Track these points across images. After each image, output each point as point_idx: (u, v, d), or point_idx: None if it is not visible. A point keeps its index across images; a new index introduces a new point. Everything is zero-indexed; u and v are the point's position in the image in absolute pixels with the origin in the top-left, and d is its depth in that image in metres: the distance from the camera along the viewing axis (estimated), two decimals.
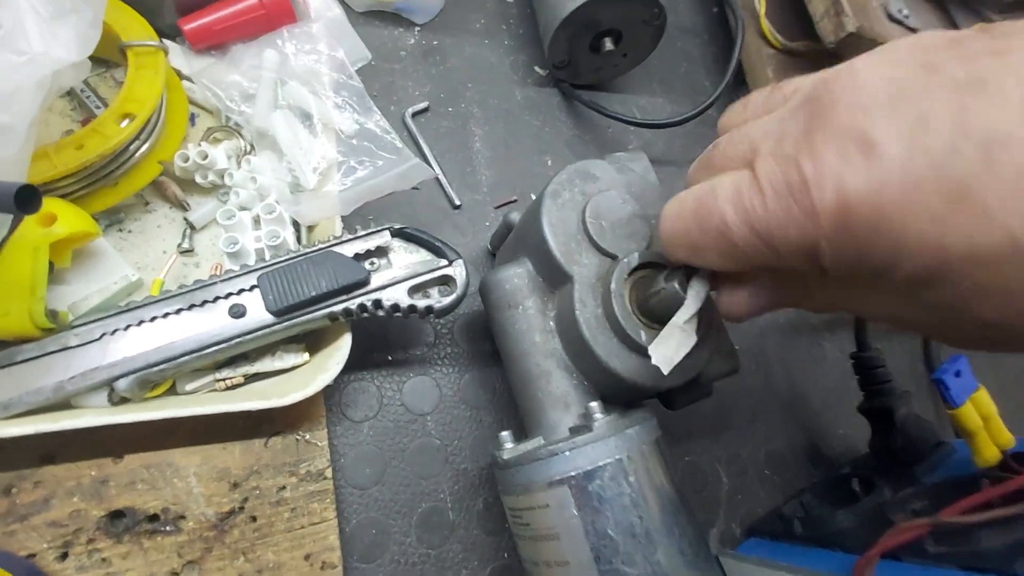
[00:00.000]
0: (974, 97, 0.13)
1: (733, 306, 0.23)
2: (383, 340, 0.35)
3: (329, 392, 0.33)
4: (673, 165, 0.50)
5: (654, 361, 0.24)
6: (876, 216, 0.15)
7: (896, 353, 0.51)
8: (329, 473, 0.30)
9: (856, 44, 0.43)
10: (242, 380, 0.29)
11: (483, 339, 0.38)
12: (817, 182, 0.15)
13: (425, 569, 0.31)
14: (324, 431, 0.31)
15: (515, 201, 0.43)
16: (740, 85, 0.52)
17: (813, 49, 0.47)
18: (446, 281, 0.30)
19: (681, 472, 0.39)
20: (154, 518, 0.27)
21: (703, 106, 0.45)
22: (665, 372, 0.24)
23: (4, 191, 0.19)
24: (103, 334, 0.26)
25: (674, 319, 0.25)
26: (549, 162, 0.46)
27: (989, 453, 0.32)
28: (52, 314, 0.26)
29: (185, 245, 0.31)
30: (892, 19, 0.44)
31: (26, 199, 0.19)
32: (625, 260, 0.29)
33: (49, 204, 0.25)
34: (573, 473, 0.26)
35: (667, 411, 0.40)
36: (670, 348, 0.24)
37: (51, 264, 0.26)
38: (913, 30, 0.45)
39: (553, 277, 0.30)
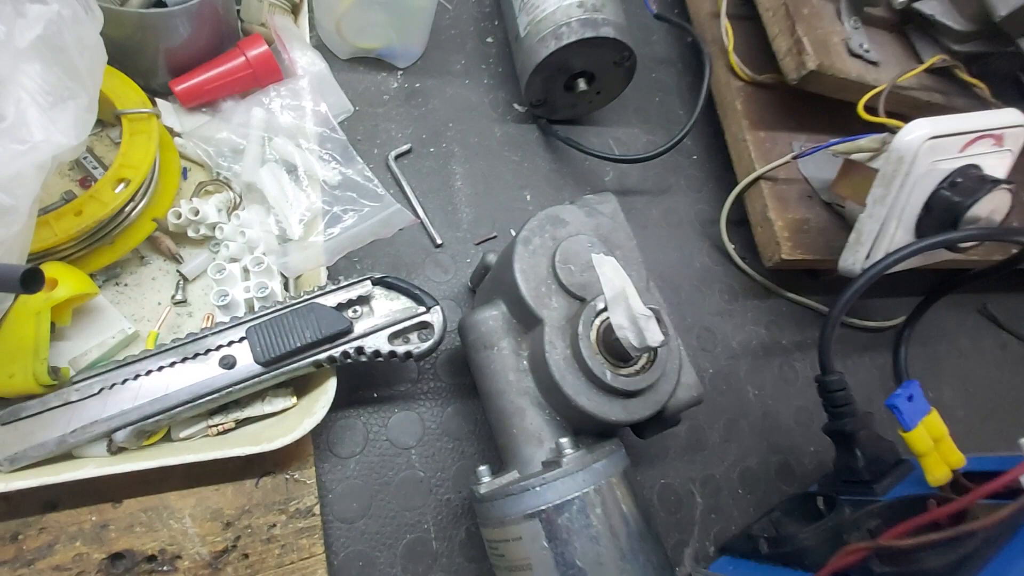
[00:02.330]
0: None
1: None
2: (368, 378, 0.37)
3: (317, 431, 0.34)
4: (648, 194, 0.52)
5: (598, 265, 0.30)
6: None
7: (866, 373, 0.53)
8: (317, 510, 0.32)
9: (817, 79, 0.45)
10: (233, 425, 0.31)
11: (465, 373, 0.39)
12: None
13: None
14: (312, 469, 0.33)
15: (495, 237, 0.45)
16: (712, 116, 0.54)
17: (779, 81, 0.49)
18: (425, 326, 0.32)
19: (656, 494, 0.41)
20: (152, 559, 0.29)
21: (675, 139, 0.47)
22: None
23: (10, 273, 0.21)
24: (102, 388, 0.28)
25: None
26: (528, 197, 0.48)
27: (940, 472, 0.33)
28: (54, 371, 0.28)
29: (179, 296, 0.33)
30: (853, 54, 0.47)
31: (30, 281, 0.21)
32: (591, 303, 0.31)
33: (50, 269, 0.27)
34: (543, 507, 0.28)
35: (647, 440, 0.42)
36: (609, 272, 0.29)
37: (53, 324, 0.28)
38: (874, 63, 0.48)
39: (525, 319, 0.32)
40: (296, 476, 0.32)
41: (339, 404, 0.36)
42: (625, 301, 0.28)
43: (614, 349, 0.30)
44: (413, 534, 0.34)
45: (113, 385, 0.28)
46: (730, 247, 0.51)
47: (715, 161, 0.55)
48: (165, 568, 0.29)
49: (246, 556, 0.30)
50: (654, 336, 0.27)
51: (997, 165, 0.40)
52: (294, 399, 0.32)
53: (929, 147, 0.37)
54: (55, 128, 0.24)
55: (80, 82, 0.25)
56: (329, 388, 0.31)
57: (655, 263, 0.49)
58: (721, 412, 0.45)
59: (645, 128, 0.55)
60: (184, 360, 0.29)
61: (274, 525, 0.31)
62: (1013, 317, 0.63)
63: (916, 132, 0.37)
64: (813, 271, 0.54)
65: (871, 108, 0.45)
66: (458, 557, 0.35)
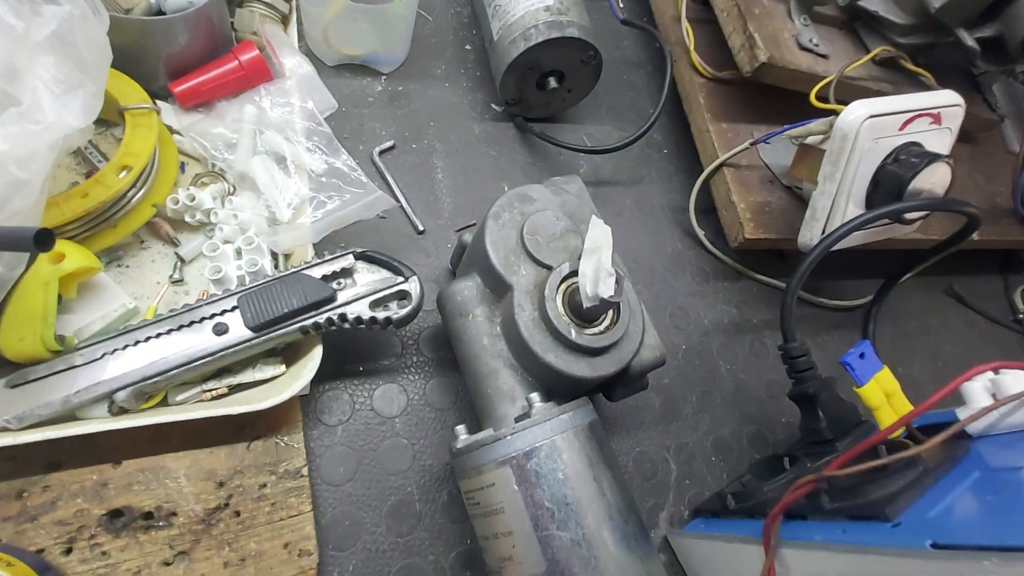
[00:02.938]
0: None
1: None
2: (354, 352, 0.40)
3: (305, 400, 0.37)
4: (621, 185, 0.55)
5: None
6: None
7: (837, 350, 0.55)
8: (305, 471, 0.34)
9: (770, 71, 0.48)
10: (226, 391, 0.33)
11: (446, 348, 0.42)
12: None
13: (395, 555, 0.35)
14: (300, 434, 0.35)
15: (474, 224, 0.48)
16: (680, 113, 0.58)
17: (738, 77, 0.53)
18: (404, 296, 0.35)
19: (632, 461, 0.42)
20: (149, 515, 0.31)
21: (641, 131, 0.51)
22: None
23: (24, 234, 0.24)
24: (104, 353, 0.30)
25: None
26: (506, 188, 0.51)
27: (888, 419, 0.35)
28: (60, 339, 0.30)
29: (176, 276, 0.36)
30: (803, 48, 0.50)
31: (42, 240, 0.24)
32: (558, 269, 0.33)
33: (58, 245, 0.30)
34: (514, 454, 0.30)
35: (620, 409, 0.44)
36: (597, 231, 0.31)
37: (60, 296, 0.30)
38: (823, 56, 0.51)
39: (497, 287, 0.35)
40: (285, 440, 0.34)
41: (326, 376, 0.38)
42: (598, 255, 0.31)
43: (579, 310, 0.32)
44: (397, 496, 0.36)
45: (115, 351, 0.30)
46: (700, 232, 0.54)
47: (684, 154, 0.58)
48: (161, 524, 0.31)
49: (238, 513, 0.32)
50: (607, 290, 0.29)
51: (938, 142, 0.43)
52: (283, 367, 0.34)
53: (869, 125, 0.40)
54: (66, 112, 0.27)
55: (88, 73, 0.28)
56: (315, 355, 0.33)
57: (629, 248, 0.52)
58: (694, 385, 0.47)
59: (617, 125, 0.58)
60: (180, 328, 0.31)
61: (264, 485, 0.33)
62: (979, 297, 0.65)
63: (856, 112, 0.40)
64: (781, 253, 0.56)
65: (823, 97, 0.49)
66: (440, 518, 0.36)
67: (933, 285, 0.64)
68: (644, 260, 0.52)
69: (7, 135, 0.25)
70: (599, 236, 0.32)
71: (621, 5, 0.66)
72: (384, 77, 0.51)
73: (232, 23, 0.43)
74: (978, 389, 0.31)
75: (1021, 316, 0.65)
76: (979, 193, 0.63)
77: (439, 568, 0.35)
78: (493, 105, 0.54)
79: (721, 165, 0.51)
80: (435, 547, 0.36)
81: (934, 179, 0.41)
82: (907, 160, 0.41)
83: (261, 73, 0.41)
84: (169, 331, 0.31)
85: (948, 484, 0.28)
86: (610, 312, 0.34)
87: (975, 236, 0.58)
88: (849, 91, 0.51)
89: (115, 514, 0.30)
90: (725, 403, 0.48)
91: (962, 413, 0.31)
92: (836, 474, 0.27)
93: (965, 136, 0.66)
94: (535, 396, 0.32)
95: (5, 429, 0.28)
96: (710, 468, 0.44)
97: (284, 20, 0.45)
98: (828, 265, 0.58)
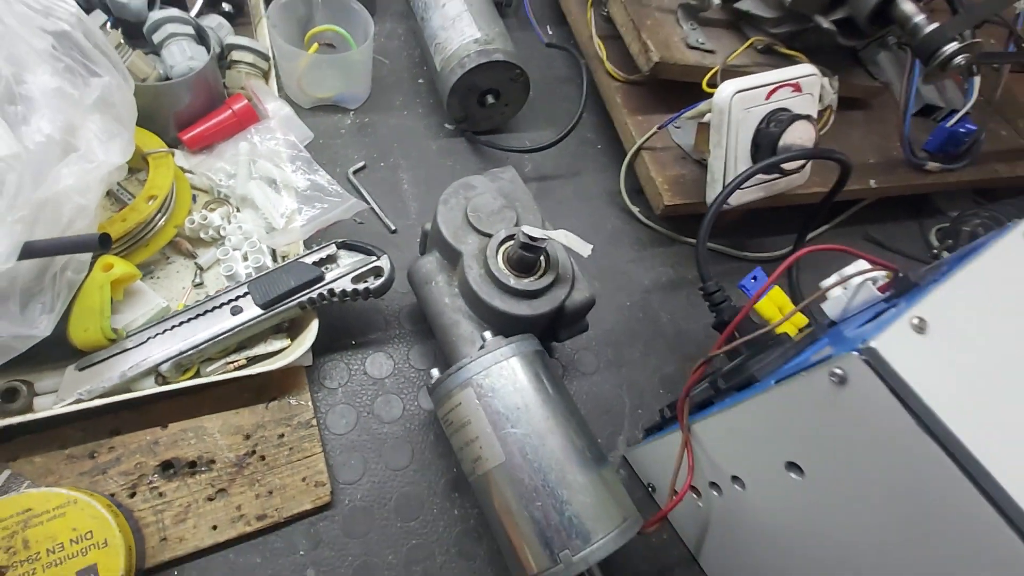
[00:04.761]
0: None
1: None
2: (346, 330, 0.48)
3: (309, 369, 0.45)
4: (562, 177, 0.65)
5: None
6: None
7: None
8: (315, 422, 0.42)
9: (665, 69, 0.59)
10: (245, 361, 0.41)
11: (422, 321, 0.50)
12: None
13: (393, 485, 0.42)
14: (308, 394, 0.43)
15: None
16: (604, 110, 0.68)
17: (645, 78, 0.63)
18: (379, 271, 0.43)
19: (591, 399, 0.50)
20: (193, 464, 0.39)
21: (567, 129, 0.60)
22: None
23: (91, 239, 0.33)
24: (148, 338, 0.39)
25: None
26: None
27: (788, 331, 0.44)
28: (114, 330, 0.39)
29: (197, 281, 0.45)
30: (691, 47, 0.61)
31: (104, 241, 0.33)
32: (496, 235, 0.42)
33: (108, 258, 0.39)
34: (473, 375, 0.38)
35: (576, 357, 0.52)
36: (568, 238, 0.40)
37: (111, 299, 0.39)
38: (710, 52, 0.62)
39: (451, 257, 0.44)
40: (296, 400, 0.43)
41: (325, 350, 0.46)
42: (556, 235, 0.39)
43: (513, 263, 0.41)
44: (392, 438, 0.44)
45: (156, 335, 0.39)
46: (635, 209, 0.63)
47: (614, 148, 0.68)
48: (203, 469, 0.39)
49: (263, 457, 0.40)
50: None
51: (803, 106, 0.53)
52: (288, 341, 0.43)
53: (739, 99, 0.50)
54: (110, 153, 0.36)
55: (124, 125, 0.38)
56: (313, 327, 0.42)
57: (574, 229, 0.60)
58: (639, 335, 0.56)
59: (554, 130, 0.68)
60: (205, 313, 0.40)
61: (282, 435, 0.41)
62: (895, 240, 0.74)
63: (726, 90, 0.50)
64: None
65: (714, 84, 0.59)
66: (429, 454, 0.44)
67: (852, 234, 0.73)
68: (587, 238, 0.59)
69: (71, 173, 0.34)
70: (574, 239, 0.40)
71: (551, 32, 0.78)
72: (352, 112, 0.61)
73: (224, 82, 0.54)
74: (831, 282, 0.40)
75: (935, 251, 0.74)
76: (877, 151, 0.72)
77: (432, 491, 0.43)
78: (446, 125, 0.64)
79: (640, 149, 0.61)
80: (427, 476, 0.43)
81: (800, 134, 0.50)
82: (777, 121, 0.51)
83: (250, 117, 0.51)
84: (197, 316, 0.40)
85: (807, 353, 0.36)
86: (542, 263, 0.42)
87: (873, 184, 0.68)
88: (737, 77, 0.61)
89: (166, 465, 0.38)
90: (668, 346, 0.56)
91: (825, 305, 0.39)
92: (716, 353, 0.35)
93: (859, 104, 0.77)
94: (488, 333, 0.40)
95: (79, 400, 0.37)
96: (658, 399, 0.52)
97: (265, 75, 0.56)
98: (750, 224, 0.67)
